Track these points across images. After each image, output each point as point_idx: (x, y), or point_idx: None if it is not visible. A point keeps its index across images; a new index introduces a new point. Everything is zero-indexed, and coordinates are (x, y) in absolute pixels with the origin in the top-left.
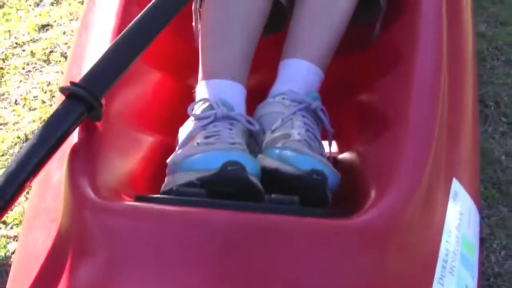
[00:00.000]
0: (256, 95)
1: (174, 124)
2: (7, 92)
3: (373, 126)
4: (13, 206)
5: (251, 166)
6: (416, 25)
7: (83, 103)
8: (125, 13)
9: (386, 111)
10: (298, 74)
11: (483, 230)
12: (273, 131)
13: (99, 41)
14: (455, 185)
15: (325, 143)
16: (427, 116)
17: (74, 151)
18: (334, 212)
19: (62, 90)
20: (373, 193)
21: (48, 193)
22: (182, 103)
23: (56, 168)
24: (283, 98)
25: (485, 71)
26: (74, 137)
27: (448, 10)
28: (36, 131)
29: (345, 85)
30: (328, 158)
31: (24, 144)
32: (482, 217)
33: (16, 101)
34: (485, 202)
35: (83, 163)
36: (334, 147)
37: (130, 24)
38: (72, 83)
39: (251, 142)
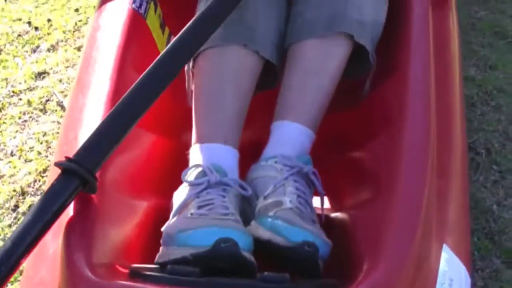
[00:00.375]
0: (250, 148)
1: (169, 184)
2: (3, 143)
3: (365, 187)
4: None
5: (244, 241)
6: (406, 85)
7: (78, 178)
8: (120, 77)
9: (377, 173)
10: (290, 137)
11: (477, 283)
12: (265, 197)
13: (95, 106)
14: (445, 251)
15: (317, 198)
16: (417, 182)
17: (70, 224)
18: (325, 285)
19: (57, 165)
20: (364, 263)
21: (43, 265)
22: (177, 162)
23: (52, 240)
24: (275, 162)
25: (476, 117)
26: (69, 210)
27: (437, 66)
28: (32, 206)
29: (336, 142)
30: (320, 216)
31: (20, 198)
32: (475, 270)
33: (12, 152)
34: (478, 253)
35: (79, 237)
36: (327, 203)
37: (123, 97)
38: (67, 158)
39: (244, 205)
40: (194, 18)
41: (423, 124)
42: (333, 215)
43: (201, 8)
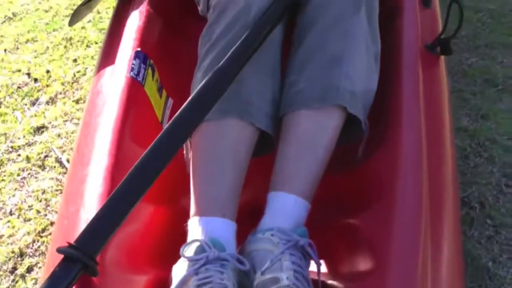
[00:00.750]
0: (246, 208)
1: (169, 255)
2: (2, 201)
3: (359, 256)
4: None
5: None
6: (397, 153)
7: (79, 263)
8: (118, 150)
9: (371, 242)
10: (286, 209)
11: None
12: (263, 273)
13: (95, 180)
14: None
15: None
16: (410, 254)
17: None
18: None
19: (59, 251)
20: None
21: None
22: (176, 230)
23: None
24: (272, 235)
25: (469, 169)
26: None
27: (428, 127)
28: None
29: (331, 206)
30: (316, 283)
31: (19, 259)
32: None
33: (11, 211)
34: None
35: None
36: (323, 267)
37: (123, 179)
38: (69, 244)
39: (242, 278)
40: (191, 96)
41: (415, 196)
42: (329, 282)
43: (198, 78)
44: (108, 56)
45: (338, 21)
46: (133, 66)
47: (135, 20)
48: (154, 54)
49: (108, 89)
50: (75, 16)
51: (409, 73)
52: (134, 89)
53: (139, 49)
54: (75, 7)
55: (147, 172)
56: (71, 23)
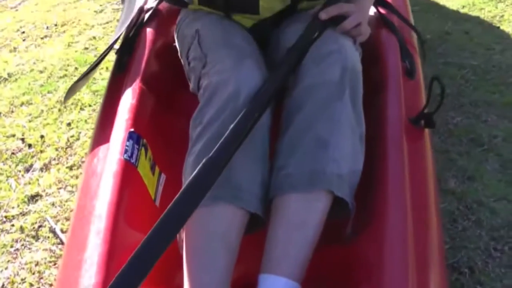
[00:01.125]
0: (238, 282)
1: None
2: None
3: None
4: None
5: None
6: (383, 234)
7: None
8: (113, 235)
9: None
10: None
11: None
12: None
13: (89, 266)
14: None
15: None
16: None
17: None
18: None
19: None
20: None
21: None
22: None
23: None
24: None
25: (457, 233)
26: None
27: (414, 204)
28: None
29: (320, 284)
30: None
31: None
32: None
33: (3, 285)
34: None
35: None
36: None
37: (120, 272)
38: None
39: None
40: (183, 188)
41: (402, 277)
42: None
43: (189, 163)
44: (102, 135)
45: (324, 105)
46: (126, 148)
47: (128, 98)
48: (146, 131)
49: (102, 172)
50: (71, 91)
51: (394, 148)
52: (128, 171)
53: (132, 129)
54: (69, 68)
55: (142, 265)
56: (66, 99)
